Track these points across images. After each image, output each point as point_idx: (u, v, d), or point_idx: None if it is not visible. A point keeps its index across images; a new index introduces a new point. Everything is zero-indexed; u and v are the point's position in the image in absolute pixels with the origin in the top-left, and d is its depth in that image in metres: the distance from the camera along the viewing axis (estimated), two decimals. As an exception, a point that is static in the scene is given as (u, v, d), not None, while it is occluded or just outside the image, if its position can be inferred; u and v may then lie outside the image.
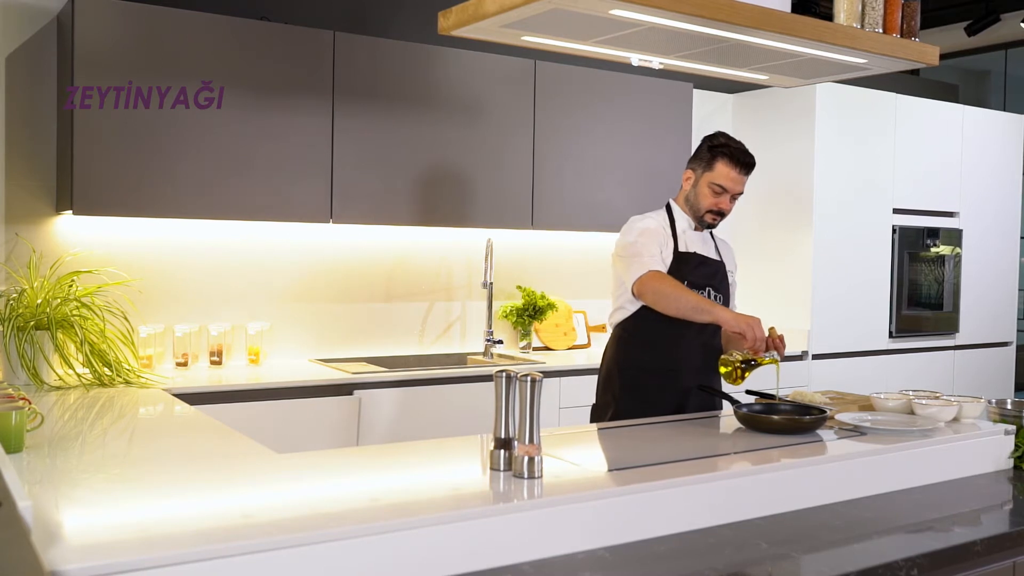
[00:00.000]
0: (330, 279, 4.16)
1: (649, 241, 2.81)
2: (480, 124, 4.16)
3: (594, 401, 3.02)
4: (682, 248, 2.87)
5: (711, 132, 2.94)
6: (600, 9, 2.27)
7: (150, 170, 3.44)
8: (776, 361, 2.60)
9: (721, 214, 2.87)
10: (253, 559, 1.38)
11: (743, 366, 2.59)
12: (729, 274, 2.99)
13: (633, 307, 2.86)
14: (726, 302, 2.95)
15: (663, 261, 2.82)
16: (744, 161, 2.82)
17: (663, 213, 2.94)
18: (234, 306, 3.93)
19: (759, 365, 2.60)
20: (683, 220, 2.92)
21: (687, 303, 2.67)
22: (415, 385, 3.73)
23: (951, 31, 6.62)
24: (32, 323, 3.13)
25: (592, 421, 2.97)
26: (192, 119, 3.51)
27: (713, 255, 2.95)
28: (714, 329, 2.86)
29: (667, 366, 2.84)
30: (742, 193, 2.86)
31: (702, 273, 2.88)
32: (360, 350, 4.23)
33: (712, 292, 2.89)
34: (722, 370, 2.65)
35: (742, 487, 1.91)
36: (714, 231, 3.01)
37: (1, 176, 3.53)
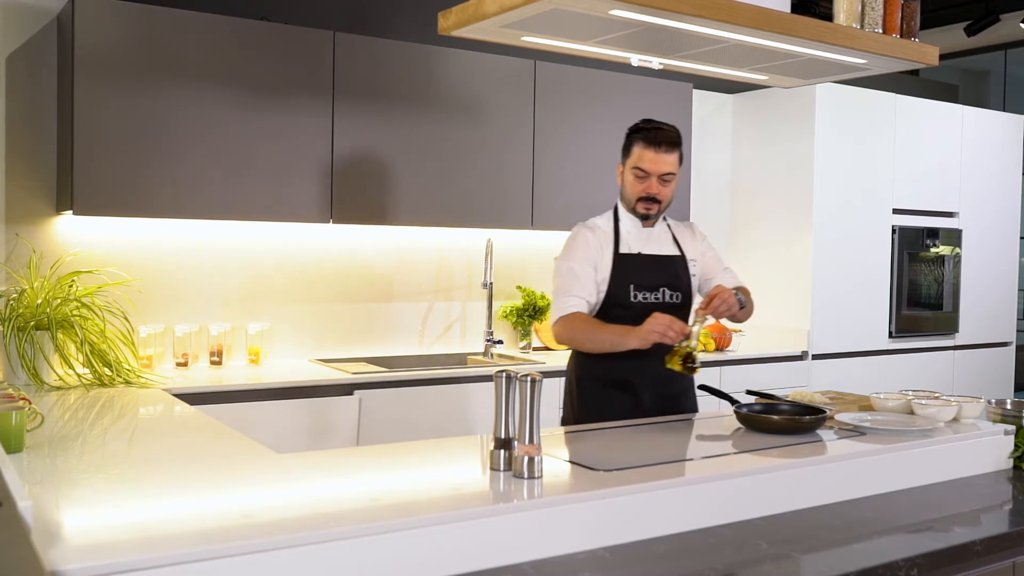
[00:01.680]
0: (330, 279, 4.16)
1: (569, 277, 2.71)
2: (480, 124, 4.16)
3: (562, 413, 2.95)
4: (624, 250, 2.76)
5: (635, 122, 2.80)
6: (600, 9, 2.28)
7: (150, 170, 3.45)
8: (702, 343, 2.52)
9: (653, 200, 2.73)
10: (253, 559, 1.38)
11: (682, 360, 2.50)
12: (691, 263, 2.84)
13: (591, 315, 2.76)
14: (687, 296, 2.80)
15: (593, 281, 2.71)
16: (662, 139, 2.68)
17: (610, 215, 2.85)
18: (234, 306, 3.93)
19: (690, 350, 2.48)
20: (628, 219, 2.81)
21: (600, 343, 2.65)
22: (415, 385, 3.73)
23: (951, 31, 6.62)
24: (32, 323, 3.13)
25: None
26: (192, 119, 3.51)
27: (669, 250, 2.82)
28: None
29: (624, 377, 2.74)
30: (673, 174, 2.71)
31: (652, 274, 2.76)
32: (360, 350, 4.23)
33: (668, 291, 2.77)
34: (675, 368, 2.51)
35: (742, 487, 1.91)
36: (671, 221, 2.89)
37: (1, 176, 3.53)
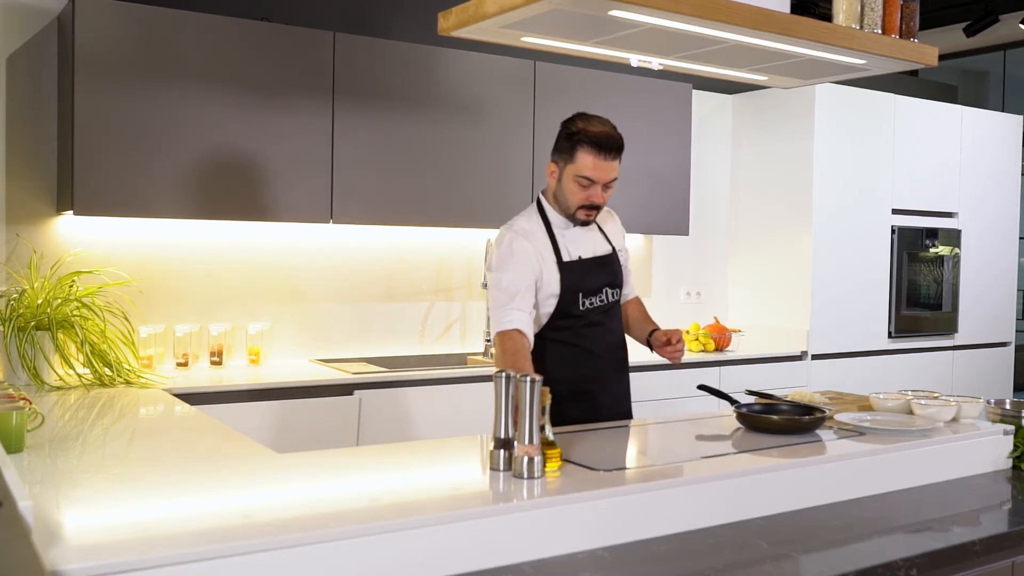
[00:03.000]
0: (330, 279, 4.16)
1: (511, 290, 2.52)
2: (480, 124, 4.16)
3: None
4: (566, 257, 2.60)
5: (569, 116, 2.59)
6: (600, 10, 2.28)
7: (150, 170, 3.45)
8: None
9: (595, 207, 2.58)
10: (253, 559, 1.38)
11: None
12: (621, 254, 2.75)
13: (535, 328, 2.62)
14: (621, 289, 2.74)
15: (533, 294, 2.55)
16: (609, 145, 2.49)
17: (535, 213, 2.65)
18: (234, 306, 3.93)
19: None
20: (557, 218, 2.63)
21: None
22: (415, 385, 3.73)
23: (950, 32, 6.62)
24: (33, 323, 3.13)
25: None
26: (192, 119, 3.51)
27: (602, 247, 2.70)
28: (620, 338, 2.75)
29: (581, 388, 2.64)
30: (616, 179, 2.55)
31: (595, 277, 2.64)
32: (360, 350, 4.23)
33: (609, 291, 2.67)
34: None
35: (742, 487, 1.91)
36: None
37: (1, 176, 3.53)
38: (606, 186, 2.56)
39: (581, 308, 2.63)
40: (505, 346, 2.49)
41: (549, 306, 2.61)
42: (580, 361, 2.65)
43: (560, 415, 2.64)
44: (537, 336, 2.62)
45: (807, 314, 5.02)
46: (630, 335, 2.83)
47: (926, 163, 5.52)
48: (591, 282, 2.64)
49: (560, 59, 4.06)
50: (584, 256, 2.65)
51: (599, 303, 2.66)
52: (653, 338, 2.69)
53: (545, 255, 2.59)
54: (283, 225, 3.98)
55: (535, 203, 2.70)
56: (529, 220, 2.65)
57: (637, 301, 2.89)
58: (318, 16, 4.16)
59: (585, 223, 2.64)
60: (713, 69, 2.91)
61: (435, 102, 4.05)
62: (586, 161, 2.51)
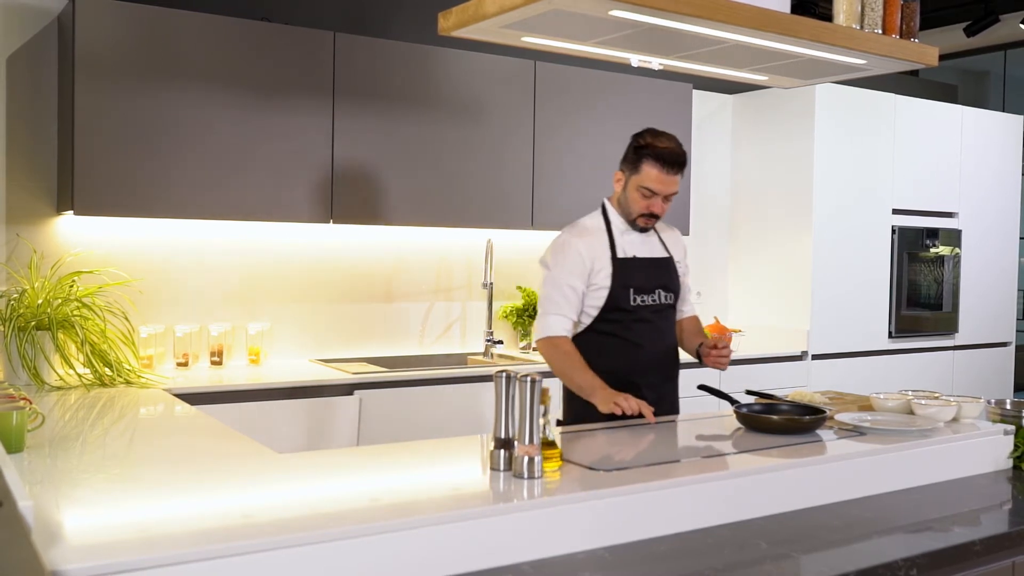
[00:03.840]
0: (330, 279, 4.16)
1: (557, 294, 2.72)
2: (480, 124, 4.16)
3: (562, 411, 2.91)
4: (620, 254, 2.77)
5: (640, 130, 2.77)
6: (600, 10, 2.28)
7: (150, 170, 3.45)
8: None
9: (654, 216, 2.76)
10: (253, 559, 1.38)
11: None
12: (678, 264, 2.89)
13: (586, 321, 2.77)
14: (677, 297, 2.86)
15: (580, 297, 2.72)
16: (673, 161, 2.67)
17: (599, 216, 2.83)
18: (234, 306, 3.93)
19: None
20: (619, 221, 2.80)
21: (571, 383, 2.69)
22: (415, 385, 3.73)
23: (950, 32, 6.62)
24: (33, 323, 3.14)
25: None
26: (192, 119, 3.51)
27: (659, 251, 2.85)
28: (671, 342, 2.85)
29: (627, 380, 2.71)
30: (676, 193, 2.73)
31: (648, 276, 2.78)
32: (360, 350, 4.23)
33: (663, 293, 2.80)
34: None
35: (742, 487, 1.91)
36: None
37: (2, 176, 3.53)
38: (666, 198, 2.73)
39: (632, 303, 2.75)
40: (562, 348, 2.70)
41: (599, 299, 2.74)
42: (627, 354, 2.75)
43: (573, 407, 2.71)
44: (587, 328, 2.77)
45: (807, 314, 5.02)
46: (683, 348, 2.94)
47: (926, 163, 5.52)
48: (643, 280, 2.77)
49: (560, 59, 4.06)
50: (639, 256, 2.80)
51: (651, 302, 2.78)
52: (702, 347, 2.81)
53: (601, 251, 2.76)
54: (283, 225, 3.98)
55: (600, 206, 2.87)
56: (592, 220, 2.84)
57: (694, 319, 3.00)
58: (318, 16, 4.16)
59: (644, 230, 2.81)
60: (713, 69, 2.91)
61: (435, 102, 4.05)
62: (650, 174, 2.68)
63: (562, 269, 2.75)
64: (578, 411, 2.74)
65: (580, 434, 2.37)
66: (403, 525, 1.51)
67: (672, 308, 2.86)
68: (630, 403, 2.52)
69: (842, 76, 3.00)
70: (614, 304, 2.73)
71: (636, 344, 2.75)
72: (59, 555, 1.30)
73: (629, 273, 2.75)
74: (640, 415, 2.52)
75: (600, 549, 1.67)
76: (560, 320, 2.72)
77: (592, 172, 4.45)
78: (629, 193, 2.75)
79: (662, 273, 2.82)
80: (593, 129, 4.46)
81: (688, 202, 4.77)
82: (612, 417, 2.57)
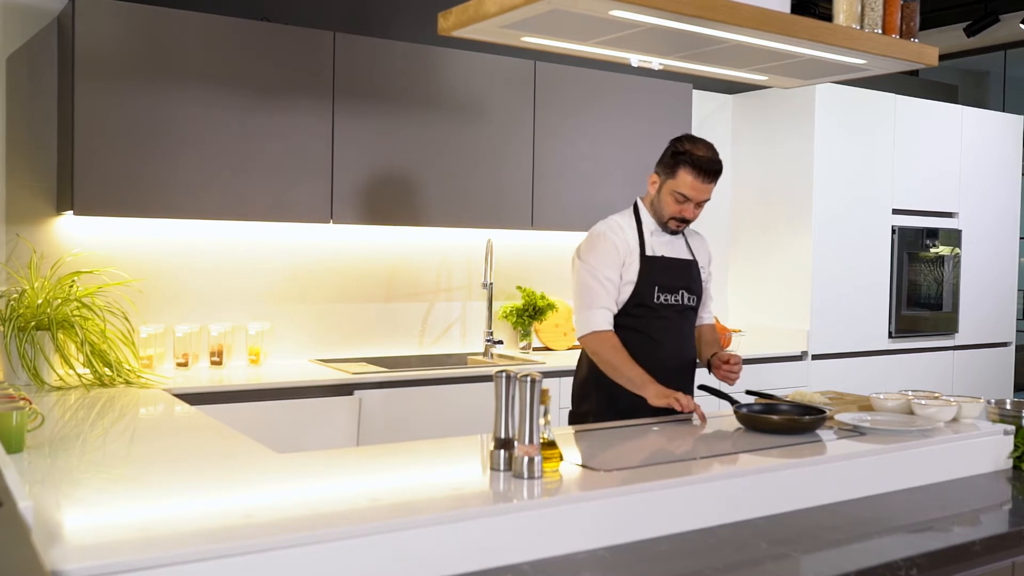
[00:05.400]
0: (330, 279, 4.16)
1: (598, 286, 2.76)
2: (480, 124, 4.16)
3: (571, 409, 2.96)
4: (649, 252, 2.83)
5: (679, 136, 2.83)
6: (600, 10, 2.28)
7: (150, 170, 3.45)
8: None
9: (685, 221, 2.82)
10: (253, 559, 1.38)
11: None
12: (702, 269, 2.95)
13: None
14: (699, 299, 2.92)
15: (617, 288, 2.77)
16: (708, 169, 2.72)
17: (630, 214, 2.89)
18: (234, 306, 3.93)
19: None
20: (650, 221, 2.86)
21: (619, 376, 2.70)
22: (415, 385, 3.73)
23: (950, 32, 6.63)
24: (33, 323, 3.13)
25: None
26: (192, 119, 3.51)
27: (684, 254, 2.91)
28: (688, 343, 2.89)
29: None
30: (709, 199, 2.79)
31: (673, 276, 2.84)
32: (360, 350, 4.23)
33: (686, 294, 2.86)
34: None
35: (742, 487, 1.91)
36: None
37: (2, 176, 3.53)
38: (699, 204, 2.78)
39: (655, 300, 2.81)
40: (610, 342, 2.73)
41: (625, 293, 2.80)
42: (647, 349, 2.78)
43: (617, 400, 2.74)
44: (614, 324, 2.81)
45: (807, 314, 5.02)
46: (698, 356, 2.98)
47: (926, 163, 5.52)
48: (668, 279, 2.83)
49: (560, 59, 4.06)
50: (667, 256, 2.86)
51: (674, 301, 2.84)
52: (715, 358, 2.86)
53: (631, 249, 2.82)
54: (283, 225, 3.97)
55: (632, 205, 2.91)
56: (623, 217, 2.89)
57: (712, 327, 3.04)
58: (318, 16, 4.16)
59: (674, 232, 2.87)
60: (713, 69, 2.91)
61: (435, 102, 4.05)
62: (685, 180, 2.73)
63: (599, 260, 2.79)
64: (601, 403, 2.80)
65: (580, 434, 2.37)
66: (403, 525, 1.51)
67: (693, 311, 2.92)
68: (686, 402, 2.56)
69: (842, 76, 3.00)
70: (639, 299, 2.79)
71: (656, 340, 2.81)
72: (59, 555, 1.30)
73: (656, 270, 2.82)
74: (691, 412, 2.56)
75: (600, 549, 1.67)
76: (604, 314, 2.76)
77: (592, 172, 4.45)
78: (663, 196, 2.80)
79: (686, 275, 2.88)
80: (593, 129, 4.46)
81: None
82: (635, 411, 2.64)
